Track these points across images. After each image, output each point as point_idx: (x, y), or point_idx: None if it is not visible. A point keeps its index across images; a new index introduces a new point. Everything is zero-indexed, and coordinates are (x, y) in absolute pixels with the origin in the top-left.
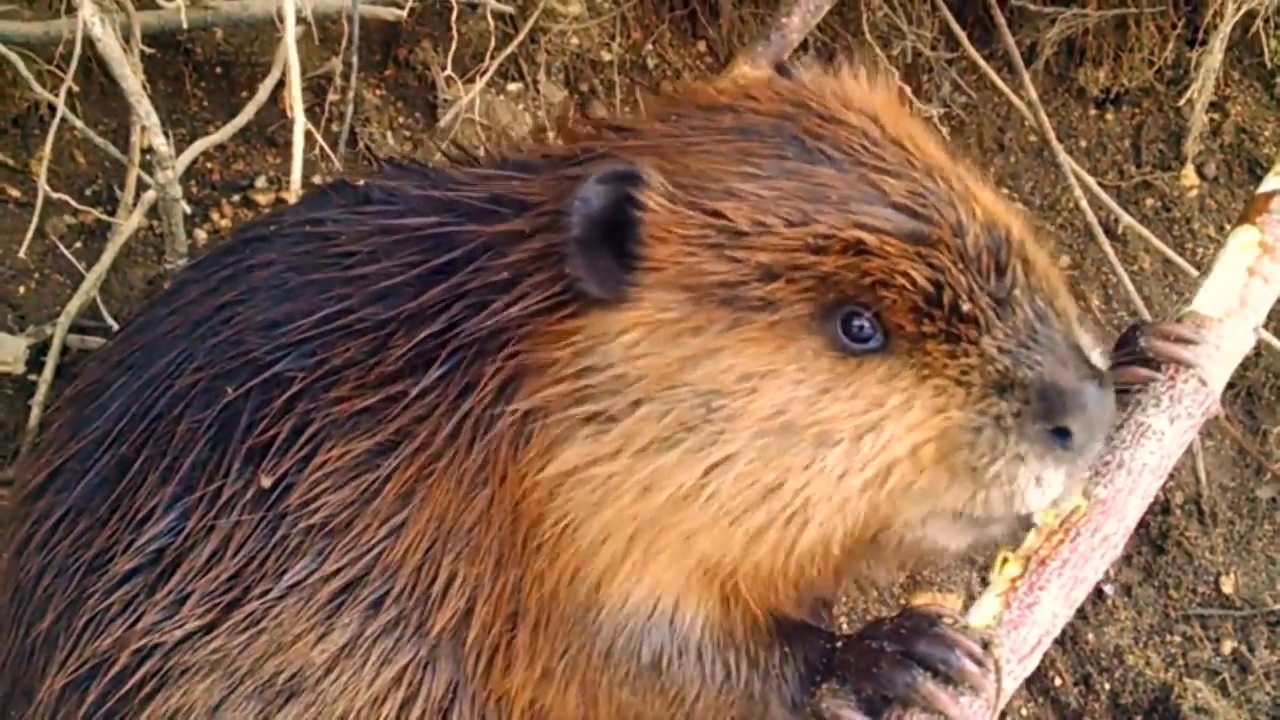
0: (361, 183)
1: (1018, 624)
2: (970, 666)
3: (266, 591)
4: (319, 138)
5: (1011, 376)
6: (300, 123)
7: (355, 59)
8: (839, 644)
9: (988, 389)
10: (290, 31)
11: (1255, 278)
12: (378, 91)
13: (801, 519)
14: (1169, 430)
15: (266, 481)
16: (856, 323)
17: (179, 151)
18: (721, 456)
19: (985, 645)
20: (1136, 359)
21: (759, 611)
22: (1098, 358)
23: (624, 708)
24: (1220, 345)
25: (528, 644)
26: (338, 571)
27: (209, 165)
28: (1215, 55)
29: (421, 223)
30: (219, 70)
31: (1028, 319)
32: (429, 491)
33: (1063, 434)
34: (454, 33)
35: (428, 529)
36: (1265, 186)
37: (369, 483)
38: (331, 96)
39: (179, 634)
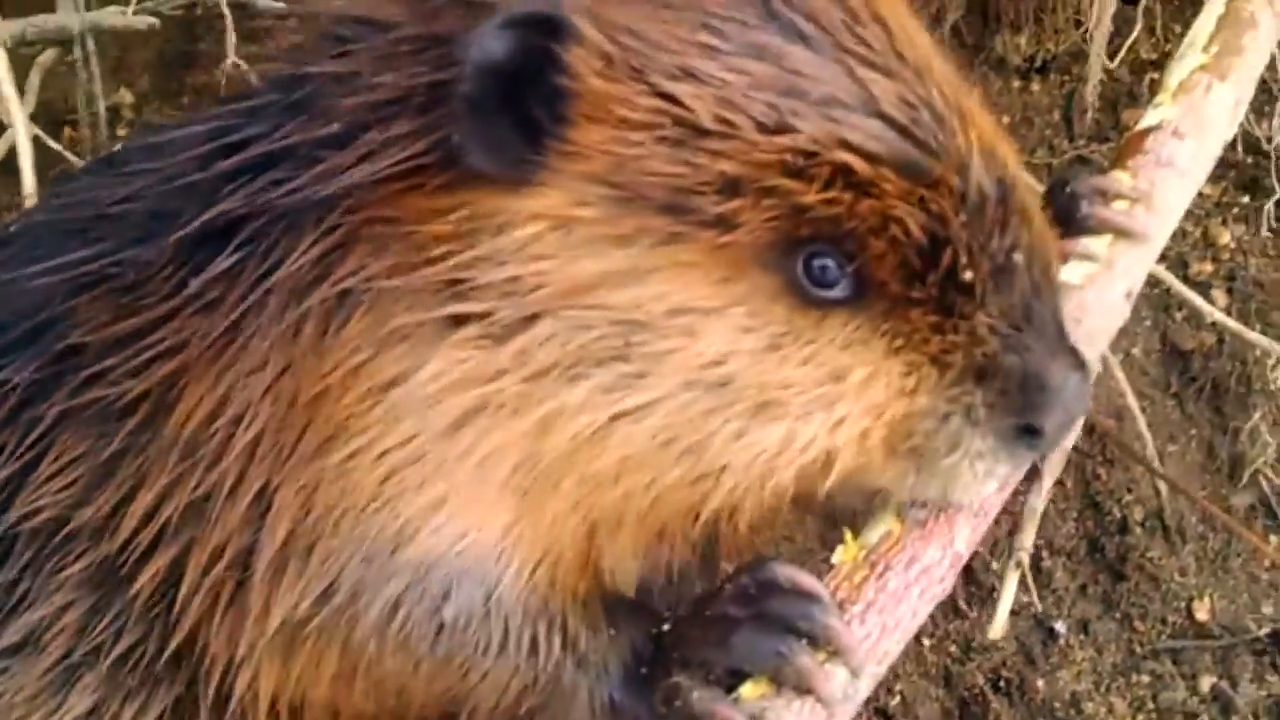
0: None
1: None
2: (837, 624)
3: None
4: None
5: (997, 362)
6: (23, 132)
7: (97, 72)
8: (667, 625)
9: (967, 373)
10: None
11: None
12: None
13: (713, 487)
14: None
15: None
16: (820, 263)
17: None
18: (637, 404)
19: None
20: (1077, 230)
21: (593, 582)
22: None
23: (386, 681)
24: (1082, 319)
25: (265, 582)
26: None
27: None
28: None
29: (199, 152)
30: None
31: (1025, 292)
32: (178, 400)
33: (1032, 432)
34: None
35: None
36: (1141, 124)
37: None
38: (121, 131)
39: None
